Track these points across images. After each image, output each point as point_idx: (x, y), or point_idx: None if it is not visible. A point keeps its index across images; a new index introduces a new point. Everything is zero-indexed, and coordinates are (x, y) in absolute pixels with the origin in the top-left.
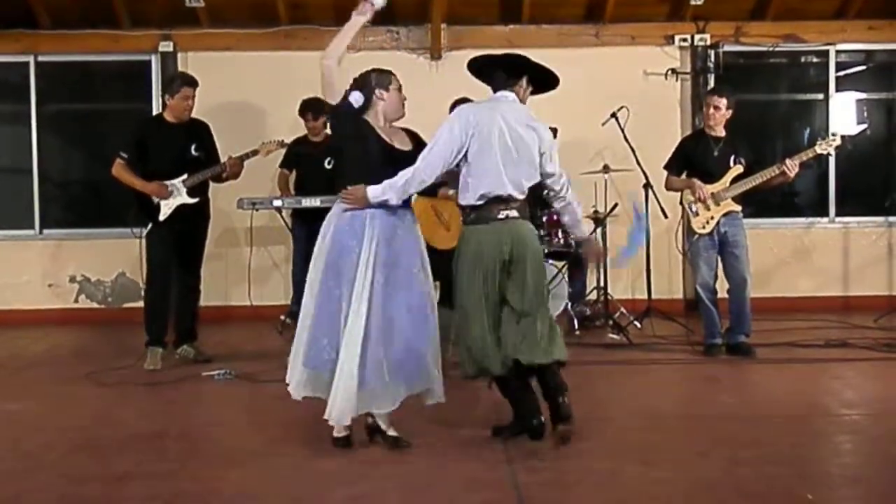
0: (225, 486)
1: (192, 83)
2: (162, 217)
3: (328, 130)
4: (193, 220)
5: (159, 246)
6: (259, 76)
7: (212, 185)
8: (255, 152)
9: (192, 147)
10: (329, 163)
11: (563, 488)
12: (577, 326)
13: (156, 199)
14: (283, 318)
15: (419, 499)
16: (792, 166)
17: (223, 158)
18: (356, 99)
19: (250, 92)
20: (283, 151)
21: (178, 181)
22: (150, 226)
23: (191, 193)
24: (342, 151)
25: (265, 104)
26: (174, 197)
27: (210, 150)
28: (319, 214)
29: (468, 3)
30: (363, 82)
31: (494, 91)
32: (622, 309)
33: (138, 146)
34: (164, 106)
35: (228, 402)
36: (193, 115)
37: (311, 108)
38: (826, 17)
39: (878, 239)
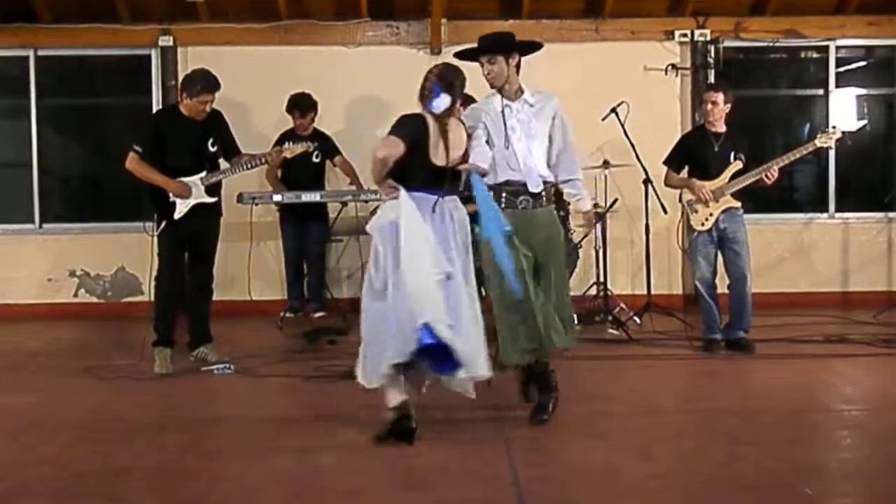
0: (224, 479)
1: (213, 89)
2: (177, 216)
3: (315, 125)
4: (207, 217)
5: (172, 244)
6: (259, 71)
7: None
8: (279, 150)
9: (210, 142)
10: (317, 156)
11: (563, 483)
12: (575, 321)
13: (172, 197)
14: (283, 314)
15: (418, 494)
16: (772, 174)
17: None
18: (441, 104)
19: (250, 87)
20: None
21: (196, 178)
22: (163, 224)
23: (209, 192)
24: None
25: (265, 99)
26: (192, 196)
27: (228, 141)
28: (310, 211)
29: None
30: (452, 86)
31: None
32: (621, 304)
33: (153, 140)
34: (180, 99)
35: (228, 397)
36: None
37: (297, 105)
38: (826, 12)
39: (878, 234)
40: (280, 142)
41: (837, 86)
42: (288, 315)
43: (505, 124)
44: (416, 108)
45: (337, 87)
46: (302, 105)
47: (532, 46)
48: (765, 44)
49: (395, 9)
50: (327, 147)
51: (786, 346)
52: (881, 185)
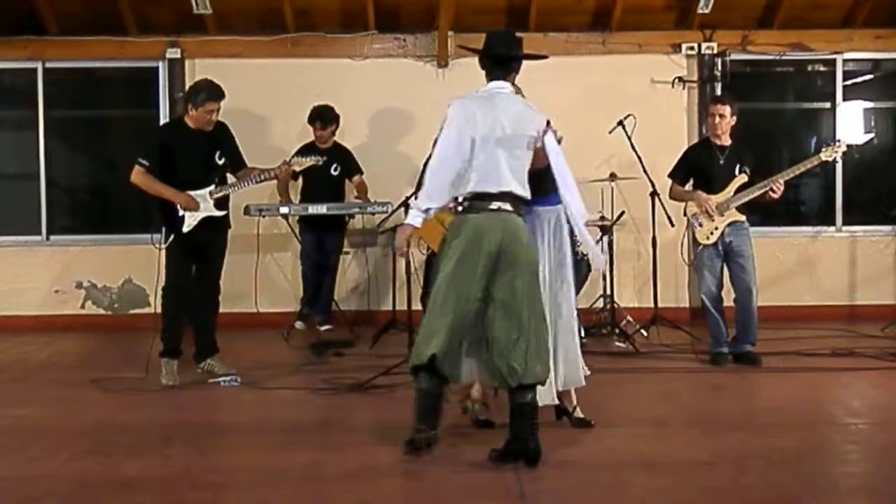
0: (231, 491)
1: (217, 98)
2: (186, 229)
3: (336, 138)
4: (215, 230)
5: (180, 256)
6: (266, 83)
7: None
8: (287, 164)
9: (217, 154)
10: (335, 169)
11: (569, 497)
12: (582, 334)
13: (181, 211)
14: (294, 323)
15: None
16: (778, 187)
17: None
18: None
19: (257, 99)
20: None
21: (205, 192)
22: (171, 237)
23: (217, 206)
24: None
25: (272, 111)
26: (201, 209)
27: (234, 154)
28: (326, 222)
29: (475, 10)
30: None
31: (489, 81)
32: (628, 317)
33: (160, 153)
34: (185, 111)
35: (234, 409)
36: None
37: (319, 117)
38: (833, 25)
39: (885, 248)
40: (299, 154)
41: (844, 99)
42: (297, 325)
43: None
44: (419, 120)
45: (344, 99)
46: (324, 117)
47: (480, 51)
48: (772, 57)
49: (403, 21)
50: (346, 161)
51: (793, 360)
52: (888, 198)
